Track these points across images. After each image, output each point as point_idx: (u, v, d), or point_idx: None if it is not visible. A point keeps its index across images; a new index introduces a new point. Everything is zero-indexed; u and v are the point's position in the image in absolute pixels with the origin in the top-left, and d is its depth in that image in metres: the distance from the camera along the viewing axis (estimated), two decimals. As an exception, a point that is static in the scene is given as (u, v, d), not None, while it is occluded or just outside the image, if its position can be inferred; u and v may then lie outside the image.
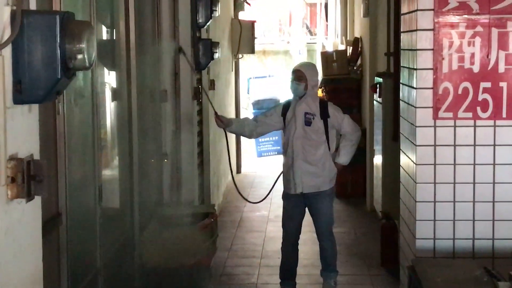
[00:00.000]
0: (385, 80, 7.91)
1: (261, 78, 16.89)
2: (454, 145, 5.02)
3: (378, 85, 8.21)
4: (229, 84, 11.76)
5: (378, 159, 8.63)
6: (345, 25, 12.47)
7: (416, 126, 5.04)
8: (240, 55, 12.56)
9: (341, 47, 12.32)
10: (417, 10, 4.97)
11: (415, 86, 5.04)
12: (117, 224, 5.68)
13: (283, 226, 6.51)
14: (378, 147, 8.61)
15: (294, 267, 6.56)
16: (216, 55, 7.32)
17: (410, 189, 5.28)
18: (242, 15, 12.91)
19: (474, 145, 5.01)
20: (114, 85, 5.70)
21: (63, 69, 2.46)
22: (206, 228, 5.94)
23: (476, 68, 4.95)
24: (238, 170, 13.04)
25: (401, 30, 5.70)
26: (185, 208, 6.74)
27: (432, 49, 4.96)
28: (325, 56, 11.17)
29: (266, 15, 19.39)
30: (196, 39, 7.08)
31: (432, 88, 4.98)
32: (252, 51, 12.31)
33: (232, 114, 12.36)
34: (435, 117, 5.00)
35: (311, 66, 6.68)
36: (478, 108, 4.97)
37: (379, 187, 8.57)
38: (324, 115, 6.25)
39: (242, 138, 13.55)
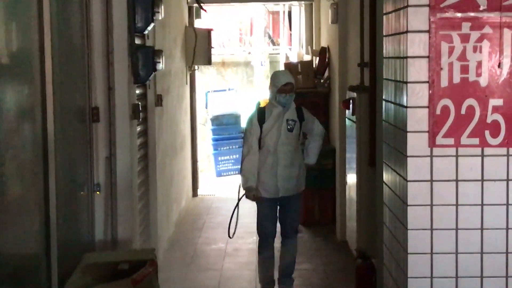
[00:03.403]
0: (359, 95, 6.99)
1: (221, 92, 15.85)
2: (456, 180, 3.96)
3: (351, 101, 7.19)
4: (183, 99, 10.72)
5: (351, 185, 7.59)
6: (311, 34, 11.83)
7: (407, 156, 3.95)
8: (195, 67, 11.64)
9: (307, 57, 11.71)
10: (407, 6, 3.88)
11: (405, 105, 3.95)
12: (26, 277, 4.60)
13: (260, 227, 6.70)
14: (351, 172, 7.56)
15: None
16: (159, 66, 6.20)
17: (399, 236, 4.17)
18: (198, 23, 11.98)
19: (482, 180, 3.96)
20: (23, 104, 4.57)
21: None
22: (141, 282, 4.75)
23: (483, 81, 3.90)
24: (194, 193, 12.16)
25: (384, 34, 4.61)
26: (119, 254, 5.56)
27: (428, 57, 3.89)
28: (289, 67, 10.46)
29: (226, 24, 18.37)
30: (134, 46, 5.93)
31: (427, 106, 3.92)
32: (208, 62, 11.59)
33: (186, 132, 11.29)
34: (432, 144, 3.93)
35: (291, 74, 6.82)
36: (487, 133, 3.92)
37: (352, 218, 7.53)
38: (300, 120, 6.56)
39: (199, 157, 12.64)
